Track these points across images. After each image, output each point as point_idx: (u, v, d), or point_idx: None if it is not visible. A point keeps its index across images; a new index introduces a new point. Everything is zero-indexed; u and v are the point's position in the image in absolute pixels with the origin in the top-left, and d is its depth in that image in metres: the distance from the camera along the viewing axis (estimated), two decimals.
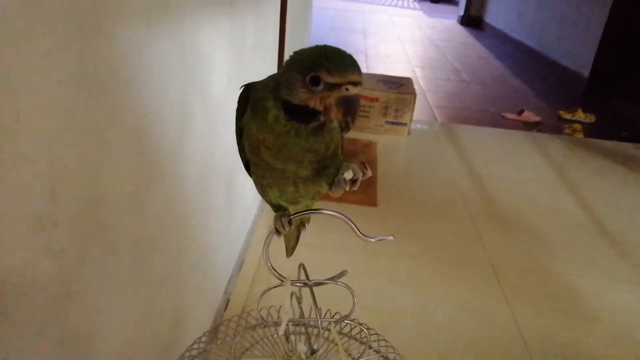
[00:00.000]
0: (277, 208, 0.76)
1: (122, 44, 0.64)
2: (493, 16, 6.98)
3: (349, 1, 9.04)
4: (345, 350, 0.76)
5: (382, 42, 5.78)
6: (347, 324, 0.79)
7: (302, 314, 0.80)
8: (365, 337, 0.77)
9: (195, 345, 0.77)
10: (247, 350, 0.80)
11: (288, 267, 0.76)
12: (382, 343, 0.79)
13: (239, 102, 0.68)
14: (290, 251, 0.86)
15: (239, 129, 0.69)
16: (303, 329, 0.82)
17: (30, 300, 0.51)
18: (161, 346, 0.92)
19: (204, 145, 1.05)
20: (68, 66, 0.53)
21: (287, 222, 0.71)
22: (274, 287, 0.73)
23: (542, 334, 1.47)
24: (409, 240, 1.86)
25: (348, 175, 0.64)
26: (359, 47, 5.32)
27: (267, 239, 0.71)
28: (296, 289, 0.77)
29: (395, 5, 9.71)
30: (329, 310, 0.81)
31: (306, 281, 0.74)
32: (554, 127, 3.44)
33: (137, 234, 0.76)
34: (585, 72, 4.41)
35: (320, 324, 0.72)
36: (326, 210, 0.69)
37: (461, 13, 7.85)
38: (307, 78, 0.57)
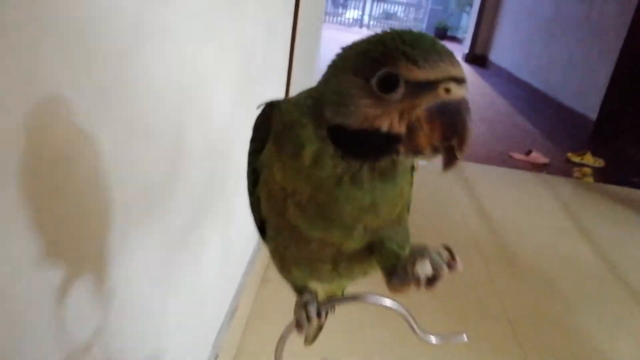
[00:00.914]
0: (299, 288, 0.57)
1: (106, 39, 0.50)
2: (498, 55, 6.96)
3: (356, 34, 9.06)
4: None
5: None
6: None
7: None
8: None
9: None
10: None
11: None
12: None
13: (255, 130, 0.49)
14: (310, 339, 0.66)
15: (253, 171, 0.50)
16: None
17: None
18: None
19: (201, 177, 0.90)
20: None
21: (315, 314, 0.53)
22: None
23: None
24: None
25: (424, 269, 0.43)
26: None
27: (282, 336, 0.53)
28: None
29: None
30: None
31: None
32: (563, 169, 3.33)
33: (113, 280, 0.62)
34: (593, 115, 4.34)
35: None
36: (373, 296, 0.50)
37: (466, 51, 7.86)
38: (374, 80, 0.38)
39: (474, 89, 5.69)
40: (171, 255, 0.82)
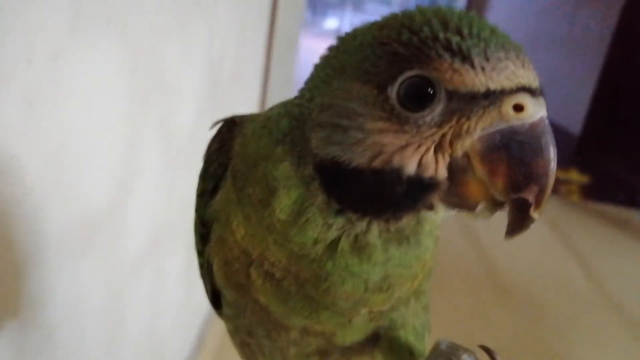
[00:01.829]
0: None
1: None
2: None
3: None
4: None
5: None
6: None
7: None
8: None
9: None
10: None
11: None
12: None
13: (206, 161, 0.36)
14: None
15: (202, 222, 0.37)
16: None
17: None
18: None
19: (158, 198, 0.78)
20: None
21: None
22: None
23: None
24: None
25: None
26: None
27: None
28: None
29: None
30: None
31: None
32: None
33: (46, 321, 0.49)
34: (576, 131, 4.31)
35: None
36: None
37: None
38: (395, 89, 0.26)
39: None
40: (120, 290, 0.69)
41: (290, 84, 1.97)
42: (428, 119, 0.26)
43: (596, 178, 3.50)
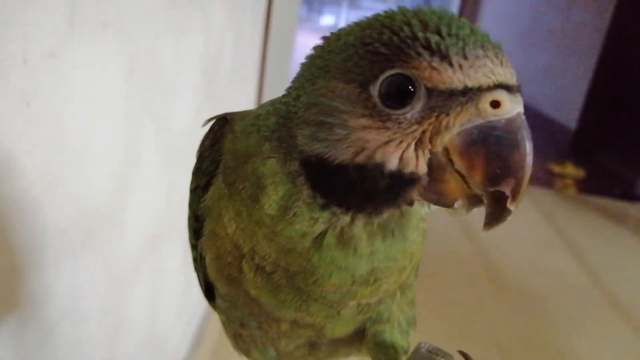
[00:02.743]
0: None
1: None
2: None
3: None
4: None
5: None
6: None
7: None
8: None
9: None
10: None
11: None
12: None
13: (199, 158, 0.37)
14: None
15: (195, 216, 0.37)
16: None
17: None
18: None
19: (157, 195, 0.78)
20: None
21: None
22: None
23: None
24: None
25: None
26: None
27: None
28: None
29: None
30: None
31: None
32: (545, 180, 3.28)
33: (49, 316, 0.50)
34: (572, 125, 4.32)
35: None
36: None
37: None
38: (377, 87, 0.27)
39: None
40: (120, 287, 0.70)
41: (286, 80, 1.97)
42: (409, 115, 0.27)
43: (591, 172, 3.51)
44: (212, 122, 0.37)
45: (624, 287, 1.98)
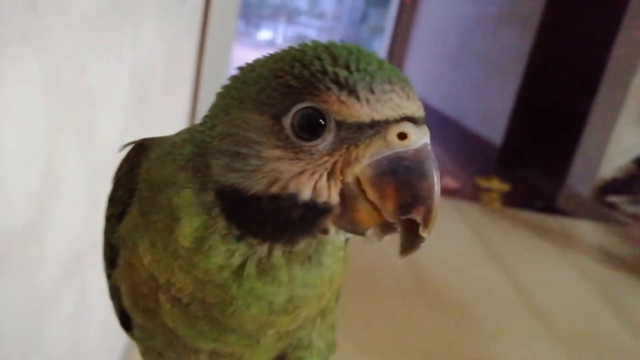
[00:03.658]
0: None
1: None
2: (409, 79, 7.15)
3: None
4: None
5: None
6: None
7: None
8: None
9: None
10: None
11: None
12: None
13: (114, 184, 0.36)
14: None
15: (110, 245, 0.36)
16: None
17: None
18: None
19: (79, 216, 0.75)
20: None
21: None
22: None
23: None
24: None
25: None
26: None
27: None
28: None
29: None
30: None
31: None
32: (471, 194, 3.40)
33: None
34: (498, 141, 4.51)
35: None
36: None
37: None
38: (289, 120, 0.27)
39: None
40: (41, 312, 0.66)
41: None
42: (320, 147, 0.27)
43: (515, 186, 3.67)
44: (128, 148, 0.36)
45: (545, 297, 2.08)
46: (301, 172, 0.27)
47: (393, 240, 0.29)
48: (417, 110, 0.28)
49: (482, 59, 5.09)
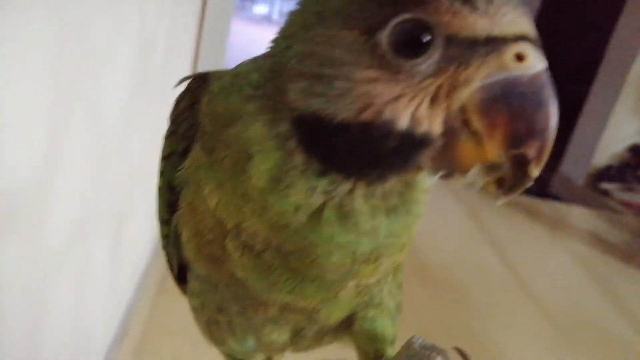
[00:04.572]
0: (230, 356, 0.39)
1: None
2: None
3: (266, 30, 8.78)
4: None
5: None
6: None
7: None
8: None
9: None
10: None
11: None
12: None
13: (173, 121, 0.33)
14: None
15: (169, 187, 0.32)
16: None
17: None
18: None
19: (84, 182, 0.74)
20: None
21: None
22: None
23: None
24: None
25: None
26: None
27: None
28: None
29: None
30: None
31: None
32: None
33: None
34: None
35: None
36: None
37: None
38: (386, 34, 0.23)
39: None
40: (45, 274, 0.66)
41: (220, 66, 1.93)
42: (424, 67, 0.23)
43: None
44: (187, 81, 0.33)
45: (538, 280, 2.10)
46: (399, 96, 0.23)
47: None
48: (533, 30, 0.24)
49: None
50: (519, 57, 0.23)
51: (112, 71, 0.79)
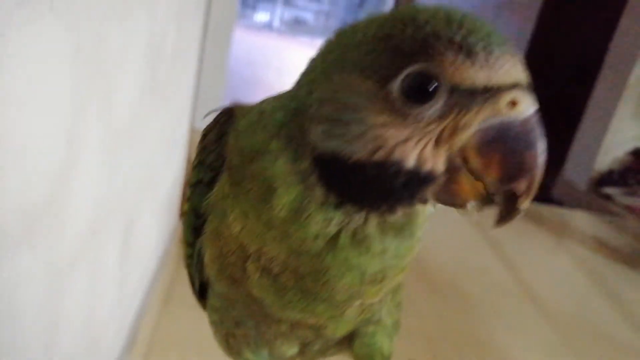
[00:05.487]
0: None
1: None
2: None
3: (267, 37, 8.86)
4: None
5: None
6: None
7: None
8: None
9: None
10: None
11: None
12: None
13: (202, 150, 0.35)
14: None
15: (196, 212, 0.36)
16: None
17: None
18: None
19: (98, 184, 0.75)
20: None
21: None
22: None
23: None
24: None
25: None
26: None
27: None
28: None
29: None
30: None
31: None
32: None
33: None
34: None
35: None
36: None
37: None
38: (397, 84, 0.26)
39: None
40: (59, 280, 0.66)
41: (223, 73, 1.95)
42: (429, 113, 0.27)
43: None
44: (214, 114, 0.36)
45: (541, 284, 2.10)
46: (407, 139, 0.27)
47: None
48: (525, 77, 0.28)
49: None
50: (512, 104, 0.27)
51: (124, 77, 0.80)
